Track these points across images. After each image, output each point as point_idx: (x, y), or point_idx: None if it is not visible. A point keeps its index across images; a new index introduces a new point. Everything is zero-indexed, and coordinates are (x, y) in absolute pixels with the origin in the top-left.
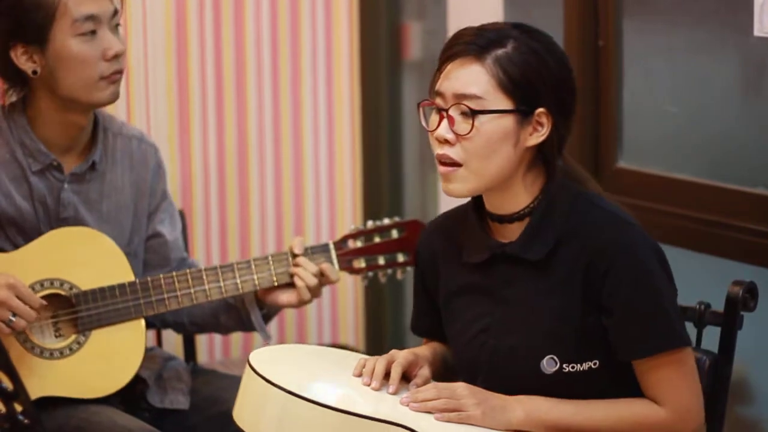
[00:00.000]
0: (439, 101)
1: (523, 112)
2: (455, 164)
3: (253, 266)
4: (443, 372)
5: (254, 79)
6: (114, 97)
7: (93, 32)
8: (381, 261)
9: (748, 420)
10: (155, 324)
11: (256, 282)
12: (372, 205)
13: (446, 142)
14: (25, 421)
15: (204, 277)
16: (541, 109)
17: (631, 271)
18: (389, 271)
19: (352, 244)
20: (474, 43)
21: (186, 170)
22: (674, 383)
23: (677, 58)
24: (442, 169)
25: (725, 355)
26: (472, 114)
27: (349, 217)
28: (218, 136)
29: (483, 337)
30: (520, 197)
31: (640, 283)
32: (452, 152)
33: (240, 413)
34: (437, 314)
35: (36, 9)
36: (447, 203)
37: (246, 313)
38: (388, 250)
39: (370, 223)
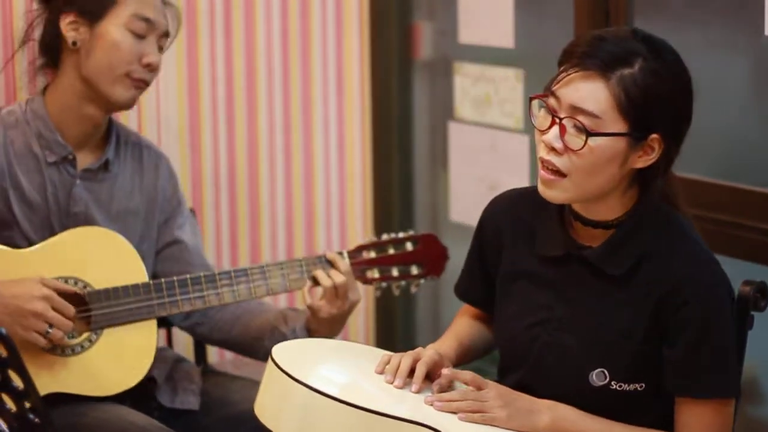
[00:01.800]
0: (552, 103)
1: (636, 137)
2: (559, 173)
3: (266, 272)
4: (470, 362)
5: (264, 79)
6: (131, 103)
7: (142, 36)
8: (395, 272)
9: (759, 420)
10: (200, 341)
11: (270, 288)
12: (382, 205)
13: (553, 149)
14: (36, 420)
15: (217, 280)
16: (654, 135)
17: (705, 310)
18: (403, 283)
19: (366, 254)
20: (598, 56)
21: (197, 172)
22: (706, 430)
23: (688, 58)
24: (543, 174)
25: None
26: (587, 133)
27: (359, 216)
28: (229, 136)
29: (537, 330)
30: (612, 210)
31: (711, 325)
32: (558, 161)
33: (261, 408)
34: (486, 284)
35: None
36: (457, 204)
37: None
38: (403, 262)
39: (384, 236)
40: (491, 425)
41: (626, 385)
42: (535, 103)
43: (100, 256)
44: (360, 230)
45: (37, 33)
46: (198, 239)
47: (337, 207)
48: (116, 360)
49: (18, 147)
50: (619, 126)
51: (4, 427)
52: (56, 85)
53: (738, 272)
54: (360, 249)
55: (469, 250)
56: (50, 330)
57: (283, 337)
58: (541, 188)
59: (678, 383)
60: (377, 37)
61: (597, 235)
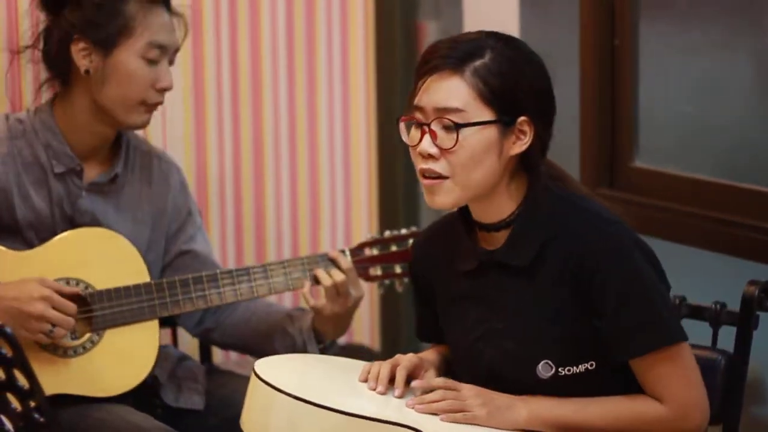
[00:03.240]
0: (419, 116)
1: (505, 122)
2: (440, 177)
3: (268, 271)
4: (449, 374)
5: (270, 78)
6: (145, 125)
7: (156, 61)
8: (398, 269)
9: (764, 420)
10: (204, 342)
11: (272, 287)
12: (387, 203)
13: (430, 156)
14: (41, 419)
15: (219, 279)
16: (523, 118)
17: (618, 271)
18: (406, 279)
19: (368, 251)
20: (451, 56)
21: (202, 172)
22: (672, 379)
23: (693, 58)
24: (426, 182)
25: (741, 354)
26: (456, 128)
27: (364, 215)
28: (234, 135)
29: (479, 345)
30: (504, 205)
31: (627, 281)
32: (437, 166)
33: (247, 421)
34: (438, 320)
35: (116, 17)
36: None
37: (302, 341)
38: (405, 259)
39: (387, 233)
40: (472, 424)
41: (575, 368)
42: (404, 124)
43: (101, 256)
44: (365, 227)
45: (42, 42)
46: (210, 248)
47: (342, 205)
48: (119, 361)
49: (25, 156)
50: (485, 115)
51: (10, 426)
52: (66, 101)
53: (743, 272)
54: (362, 246)
55: (413, 298)
56: (53, 329)
57: (291, 338)
58: (428, 198)
59: (620, 350)
60: (382, 36)
61: (501, 237)
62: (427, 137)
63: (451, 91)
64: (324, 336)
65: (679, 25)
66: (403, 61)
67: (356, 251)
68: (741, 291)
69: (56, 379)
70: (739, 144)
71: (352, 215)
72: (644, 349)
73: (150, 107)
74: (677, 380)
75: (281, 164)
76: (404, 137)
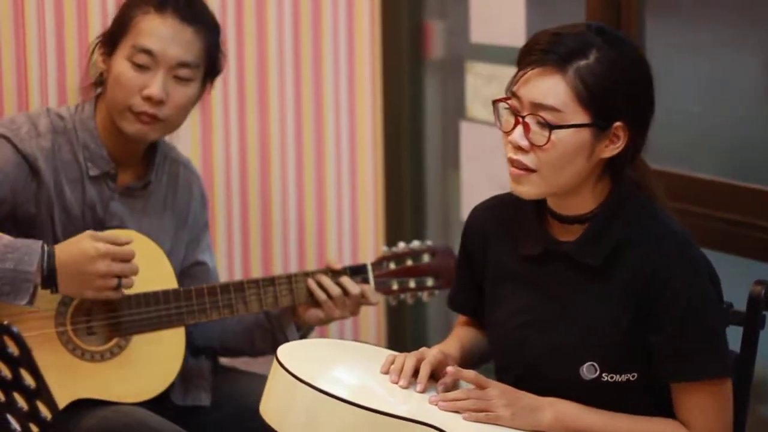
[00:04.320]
0: (514, 103)
1: (600, 126)
2: (528, 169)
3: (293, 281)
4: (471, 366)
5: (276, 79)
6: (140, 135)
7: (146, 67)
8: (412, 284)
9: None
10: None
11: (296, 297)
12: (394, 205)
13: (520, 148)
14: (48, 419)
15: (246, 288)
16: (618, 123)
17: (687, 293)
18: (418, 294)
19: (387, 265)
20: (555, 51)
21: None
22: (707, 411)
23: (700, 58)
24: (513, 171)
25: (747, 354)
26: (550, 127)
27: (371, 216)
28: (240, 136)
29: (525, 331)
30: (585, 203)
31: (694, 305)
32: (526, 159)
33: (267, 408)
34: (478, 292)
35: (121, 20)
36: (469, 204)
37: (283, 336)
38: (419, 274)
39: (402, 245)
40: (495, 424)
41: (618, 376)
42: (499, 106)
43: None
44: (371, 231)
45: None
46: (215, 262)
47: (348, 207)
48: (146, 366)
49: (64, 154)
50: (581, 117)
51: (16, 425)
52: (101, 105)
53: (750, 272)
54: (381, 260)
55: (457, 263)
56: (121, 282)
57: (271, 333)
58: (512, 186)
59: (667, 369)
60: (388, 36)
61: (574, 230)
62: (519, 128)
63: (550, 89)
64: (303, 323)
65: (686, 25)
66: (410, 61)
67: (377, 265)
68: (747, 291)
69: (83, 384)
70: (747, 144)
71: (358, 218)
72: (693, 375)
73: (137, 115)
74: (712, 414)
75: (288, 164)
76: (496, 121)
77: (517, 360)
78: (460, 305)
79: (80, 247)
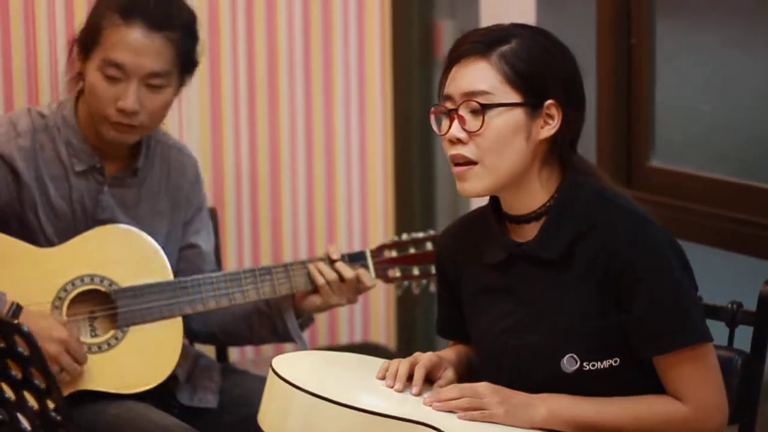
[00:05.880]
0: (448, 104)
1: (532, 104)
2: (469, 162)
3: (290, 270)
4: (468, 374)
5: (286, 78)
6: (119, 141)
7: (117, 78)
8: (416, 271)
9: None
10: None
11: (293, 286)
12: (404, 202)
13: (459, 141)
14: (58, 417)
15: (242, 278)
16: (550, 101)
17: (649, 268)
18: (423, 281)
19: (387, 253)
20: (478, 42)
21: (218, 172)
22: (695, 379)
23: (709, 56)
24: (456, 169)
25: (757, 354)
26: (482, 109)
27: (380, 213)
28: (250, 136)
29: (504, 338)
30: (536, 196)
31: (658, 279)
32: (465, 151)
33: (264, 418)
34: (461, 316)
35: (92, 28)
36: (479, 201)
37: (282, 322)
38: (423, 261)
39: (405, 235)
40: (490, 422)
41: (599, 363)
42: (434, 117)
43: (125, 253)
44: (381, 227)
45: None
46: (212, 245)
47: (358, 204)
48: (143, 358)
49: (47, 152)
50: (512, 97)
51: (27, 424)
52: (84, 99)
53: (759, 271)
54: (382, 248)
55: (437, 291)
56: (61, 372)
57: (270, 319)
58: (458, 186)
59: (645, 346)
60: (399, 36)
61: (532, 229)
62: (455, 123)
63: (477, 76)
64: (302, 311)
65: (696, 23)
66: (420, 60)
67: (376, 253)
68: (757, 290)
69: (79, 375)
70: (755, 143)
71: (368, 214)
72: (670, 346)
73: (114, 125)
74: (700, 380)
75: (297, 164)
76: (435, 128)
77: (500, 368)
78: (447, 333)
79: (47, 323)
